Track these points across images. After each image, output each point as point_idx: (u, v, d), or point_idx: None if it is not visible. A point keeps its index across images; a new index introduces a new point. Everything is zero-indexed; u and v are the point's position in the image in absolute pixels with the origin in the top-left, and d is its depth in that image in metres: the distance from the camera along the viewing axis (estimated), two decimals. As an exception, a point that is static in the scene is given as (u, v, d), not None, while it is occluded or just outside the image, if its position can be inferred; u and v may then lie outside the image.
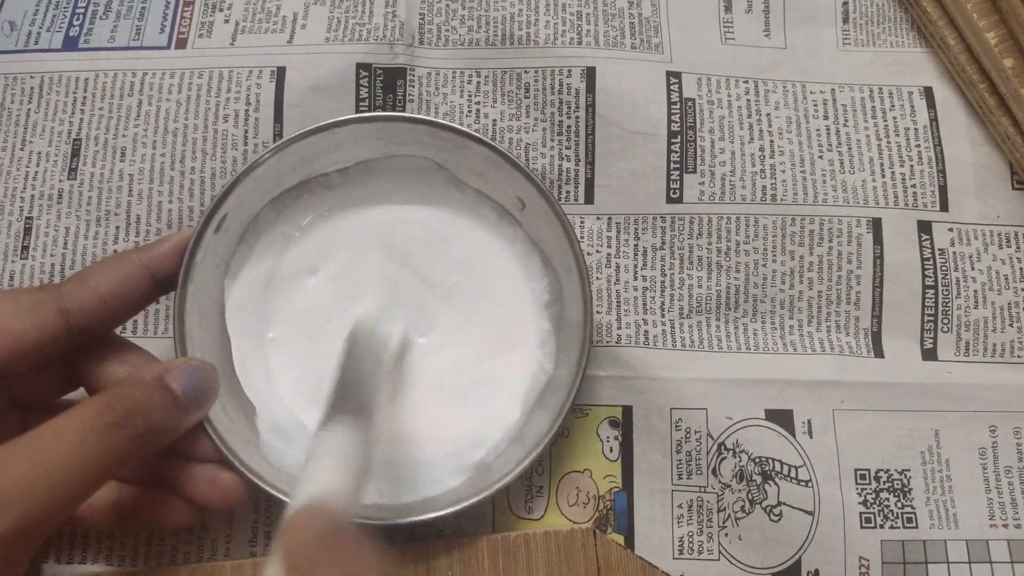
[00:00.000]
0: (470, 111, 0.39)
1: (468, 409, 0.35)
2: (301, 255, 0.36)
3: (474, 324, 0.36)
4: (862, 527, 0.34)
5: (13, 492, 0.24)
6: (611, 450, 0.36)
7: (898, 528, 0.34)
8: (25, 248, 0.37)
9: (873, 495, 0.35)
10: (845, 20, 0.41)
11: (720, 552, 0.35)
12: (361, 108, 0.39)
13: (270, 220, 0.36)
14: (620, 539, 0.35)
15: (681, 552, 0.35)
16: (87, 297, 0.29)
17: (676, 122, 0.38)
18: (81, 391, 0.32)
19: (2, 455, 0.25)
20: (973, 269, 0.38)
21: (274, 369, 0.35)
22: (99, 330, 0.30)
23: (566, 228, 0.34)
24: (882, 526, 0.34)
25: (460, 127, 0.34)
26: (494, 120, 0.39)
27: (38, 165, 0.38)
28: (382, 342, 0.33)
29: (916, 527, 0.34)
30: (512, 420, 0.35)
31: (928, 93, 0.40)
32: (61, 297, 0.29)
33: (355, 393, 0.29)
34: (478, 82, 0.39)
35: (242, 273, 0.36)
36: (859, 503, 0.35)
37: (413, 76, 0.39)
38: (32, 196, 0.38)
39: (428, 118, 0.35)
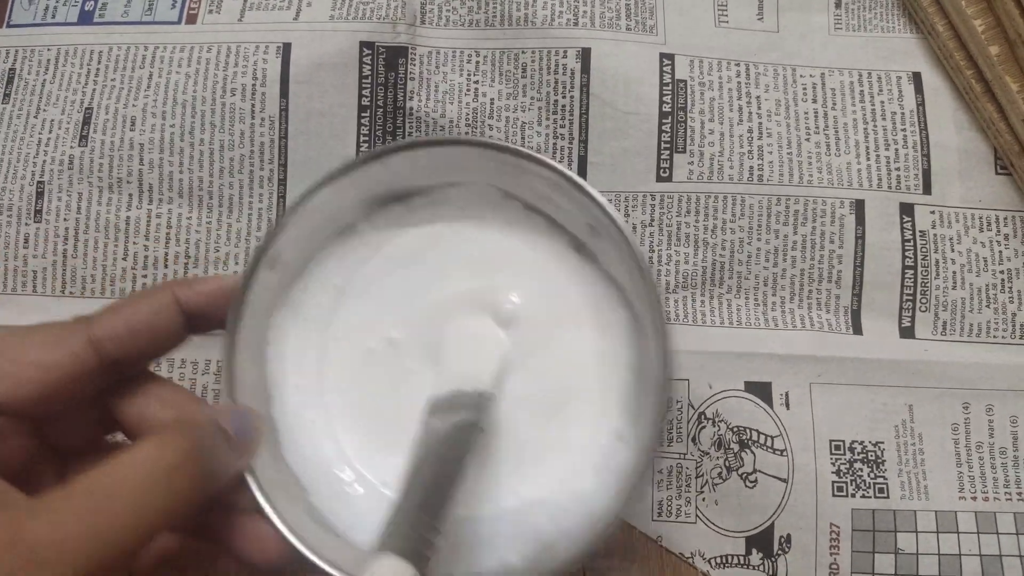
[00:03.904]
0: (468, 90, 0.40)
1: (535, 473, 0.30)
2: (365, 285, 0.33)
3: (544, 373, 0.31)
4: (834, 495, 0.36)
5: (67, 547, 0.21)
6: (596, 418, 0.38)
7: (869, 498, 0.36)
8: (38, 212, 0.39)
9: (847, 465, 0.36)
10: (837, 5, 0.42)
11: (697, 516, 0.36)
12: (364, 86, 0.40)
13: (329, 255, 0.33)
14: (602, 502, 0.37)
15: (659, 515, 0.37)
16: (117, 327, 0.27)
17: (668, 103, 0.40)
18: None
19: (57, 502, 0.22)
20: (953, 251, 0.39)
21: (332, 420, 0.31)
22: (130, 364, 0.28)
23: (639, 261, 0.29)
24: (854, 495, 0.36)
25: (517, 147, 0.30)
26: (491, 99, 0.40)
27: (51, 132, 0.40)
28: (463, 436, 0.28)
29: (887, 497, 0.36)
30: (580, 489, 0.30)
31: (916, 78, 0.41)
32: (91, 326, 0.27)
33: (428, 490, 0.26)
34: (477, 62, 0.41)
35: (299, 313, 0.32)
36: (832, 472, 0.36)
37: (414, 55, 0.40)
38: (44, 161, 0.39)
39: (483, 139, 0.31)
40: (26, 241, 0.39)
